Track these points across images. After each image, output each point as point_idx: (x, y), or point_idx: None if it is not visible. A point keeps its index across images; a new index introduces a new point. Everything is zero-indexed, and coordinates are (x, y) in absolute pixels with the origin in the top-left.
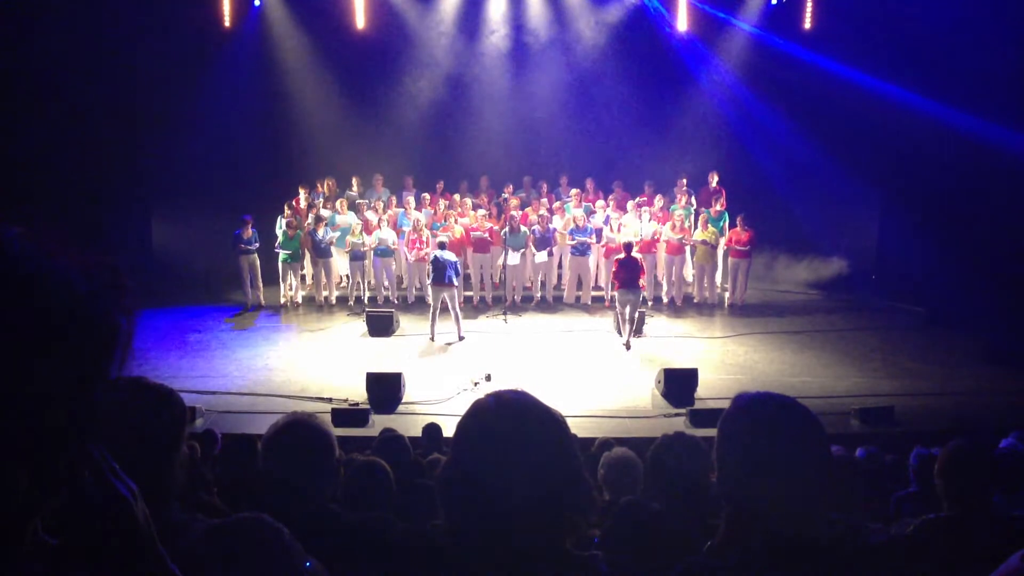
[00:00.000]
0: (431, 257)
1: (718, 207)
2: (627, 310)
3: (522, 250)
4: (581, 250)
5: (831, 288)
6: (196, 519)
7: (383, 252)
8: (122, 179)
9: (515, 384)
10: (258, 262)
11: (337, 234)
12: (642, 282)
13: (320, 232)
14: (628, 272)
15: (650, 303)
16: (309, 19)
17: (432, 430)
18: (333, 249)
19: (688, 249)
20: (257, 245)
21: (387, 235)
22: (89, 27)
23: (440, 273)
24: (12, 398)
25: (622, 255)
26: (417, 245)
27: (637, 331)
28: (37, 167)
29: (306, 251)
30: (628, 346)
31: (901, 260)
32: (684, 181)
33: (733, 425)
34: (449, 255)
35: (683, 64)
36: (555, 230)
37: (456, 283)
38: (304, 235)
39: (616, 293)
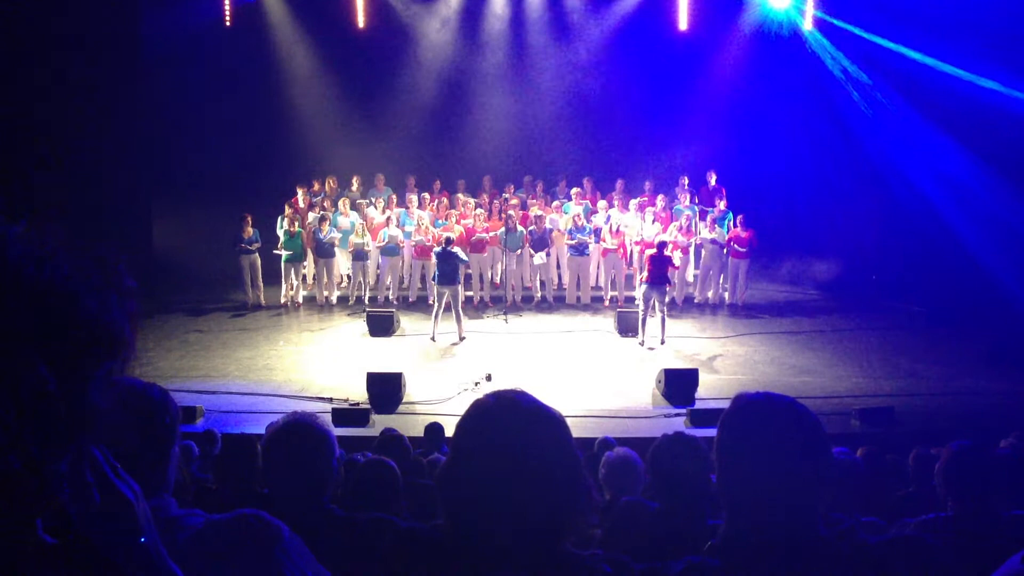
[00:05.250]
0: (434, 252)
1: (721, 206)
2: (650, 306)
3: (519, 250)
4: (580, 250)
5: (831, 288)
6: (194, 515)
7: (390, 251)
8: (123, 178)
9: (515, 384)
10: (259, 262)
11: (340, 234)
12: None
13: (324, 232)
14: (657, 269)
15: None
16: (309, 18)
17: (434, 430)
18: (336, 249)
19: (692, 250)
20: (258, 244)
21: (395, 233)
22: (89, 26)
23: (446, 271)
24: (13, 397)
25: (655, 252)
26: (424, 240)
27: (662, 340)
28: (38, 166)
29: (308, 250)
30: (663, 341)
31: (901, 260)
32: (686, 180)
33: (733, 425)
34: (456, 252)
35: (684, 62)
36: (551, 230)
37: (461, 281)
38: (307, 234)
39: (643, 287)
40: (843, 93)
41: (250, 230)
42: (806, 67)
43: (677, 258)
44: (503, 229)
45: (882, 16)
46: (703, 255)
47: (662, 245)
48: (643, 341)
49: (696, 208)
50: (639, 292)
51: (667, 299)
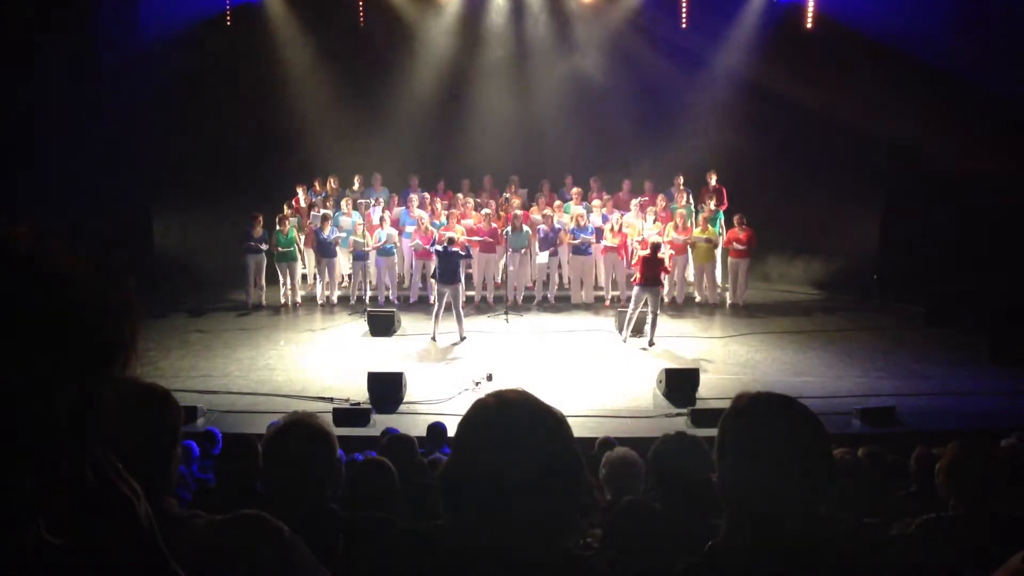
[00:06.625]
0: (435, 250)
1: (712, 206)
2: (640, 306)
3: (523, 250)
4: (582, 249)
5: (832, 288)
6: (195, 515)
7: (386, 251)
8: (123, 178)
9: (516, 383)
10: (264, 262)
11: (343, 234)
12: (663, 279)
13: (326, 231)
14: (650, 270)
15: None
16: (309, 17)
17: (437, 430)
18: (337, 248)
19: (689, 249)
20: (266, 246)
21: (391, 232)
22: (88, 24)
23: (447, 270)
24: (15, 397)
25: (648, 253)
26: (423, 239)
27: (650, 341)
28: (39, 166)
29: (305, 250)
30: (652, 343)
31: (902, 259)
32: (681, 180)
33: (734, 425)
34: (457, 251)
35: (684, 62)
36: (559, 230)
37: (462, 280)
38: (307, 234)
39: (636, 288)
40: (843, 91)
41: (260, 229)
42: (805, 65)
43: (668, 260)
44: (508, 228)
45: (884, 12)
46: (696, 255)
47: (655, 247)
48: (625, 339)
49: (691, 208)
50: (632, 292)
51: (662, 300)
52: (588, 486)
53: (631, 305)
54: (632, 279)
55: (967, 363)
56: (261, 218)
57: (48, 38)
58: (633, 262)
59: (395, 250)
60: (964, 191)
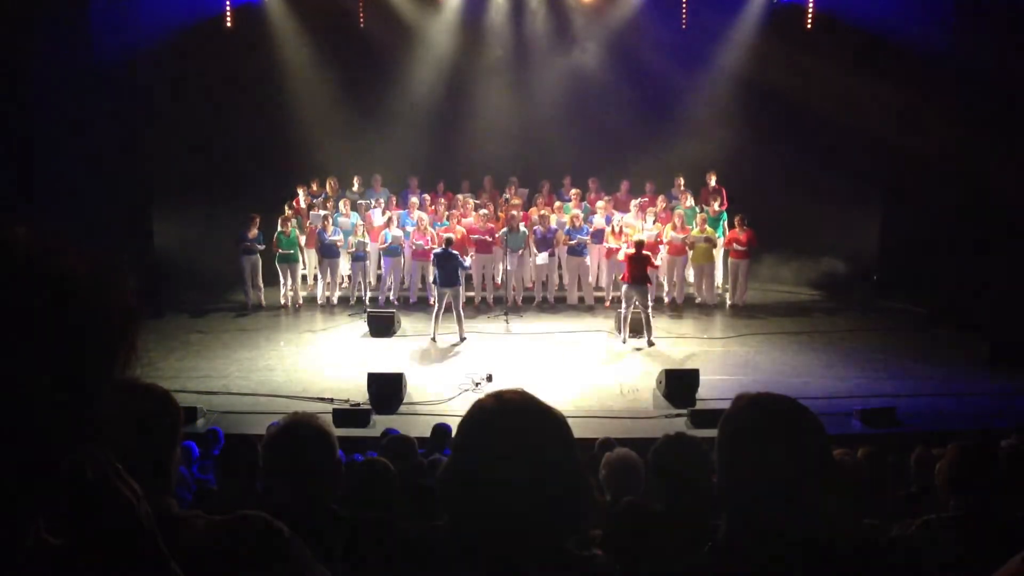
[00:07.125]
0: (433, 254)
1: (716, 206)
2: (631, 305)
3: (521, 250)
4: (577, 250)
5: (832, 288)
6: (195, 516)
7: (393, 251)
8: (123, 178)
9: (516, 384)
10: (260, 263)
11: (340, 237)
12: (651, 277)
13: (329, 232)
14: (636, 268)
15: (652, 303)
16: (310, 18)
17: (441, 431)
18: (339, 249)
19: (688, 249)
20: (263, 247)
21: (397, 234)
22: (86, 26)
23: (447, 272)
24: (15, 398)
25: (633, 251)
26: (423, 241)
27: (649, 342)
28: (39, 166)
29: (306, 250)
30: (652, 343)
31: (902, 259)
32: (681, 181)
33: (734, 425)
34: (455, 253)
35: (684, 62)
36: (556, 230)
37: (462, 282)
38: (308, 234)
39: (624, 287)
40: (842, 90)
41: (255, 230)
42: (805, 65)
43: (654, 257)
44: (505, 229)
45: (884, 12)
46: (693, 255)
47: (639, 244)
48: (625, 339)
49: (695, 209)
50: (621, 291)
51: (660, 300)
52: (588, 487)
53: (623, 304)
54: (621, 277)
55: (967, 363)
56: (258, 219)
57: (47, 38)
58: (620, 258)
59: (400, 250)
60: (964, 190)
